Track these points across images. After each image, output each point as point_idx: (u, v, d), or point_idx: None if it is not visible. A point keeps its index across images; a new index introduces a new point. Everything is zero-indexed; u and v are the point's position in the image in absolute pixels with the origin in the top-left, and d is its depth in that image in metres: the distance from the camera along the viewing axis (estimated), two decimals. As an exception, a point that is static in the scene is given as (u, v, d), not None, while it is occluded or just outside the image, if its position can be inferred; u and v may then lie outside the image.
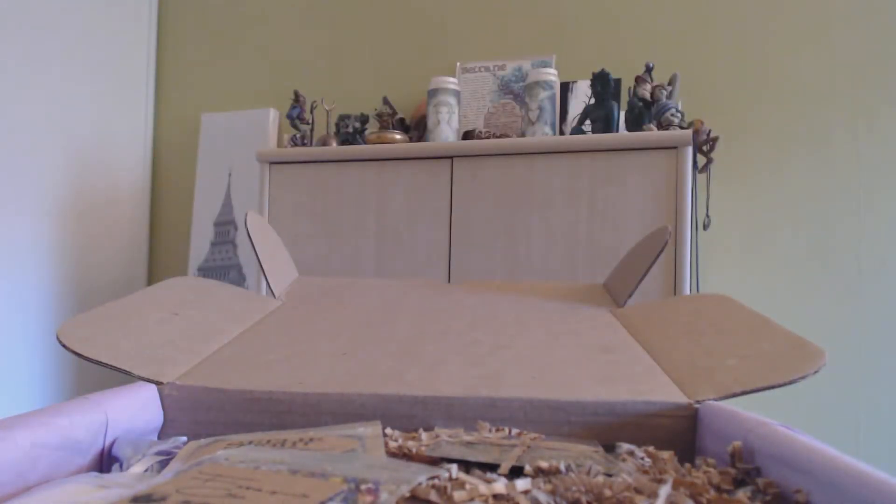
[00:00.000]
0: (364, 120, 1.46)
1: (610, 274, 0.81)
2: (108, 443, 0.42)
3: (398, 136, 1.40)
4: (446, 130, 1.36)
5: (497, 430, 0.44)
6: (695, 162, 1.24)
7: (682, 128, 1.21)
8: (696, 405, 0.44)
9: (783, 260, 1.49)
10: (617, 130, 1.31)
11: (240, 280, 1.77)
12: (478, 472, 0.35)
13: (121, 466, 0.41)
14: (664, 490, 0.30)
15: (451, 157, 1.31)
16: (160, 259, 1.97)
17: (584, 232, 1.22)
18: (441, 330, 0.62)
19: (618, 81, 1.46)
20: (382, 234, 1.34)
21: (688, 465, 0.37)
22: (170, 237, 1.96)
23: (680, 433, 0.44)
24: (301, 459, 0.32)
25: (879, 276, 1.43)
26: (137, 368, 0.49)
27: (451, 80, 1.38)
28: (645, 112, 1.27)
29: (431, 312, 0.68)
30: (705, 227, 1.39)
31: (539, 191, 1.25)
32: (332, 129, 1.70)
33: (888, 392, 1.42)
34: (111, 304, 0.57)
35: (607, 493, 0.30)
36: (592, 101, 1.31)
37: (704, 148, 1.30)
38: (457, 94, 1.38)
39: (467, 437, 0.41)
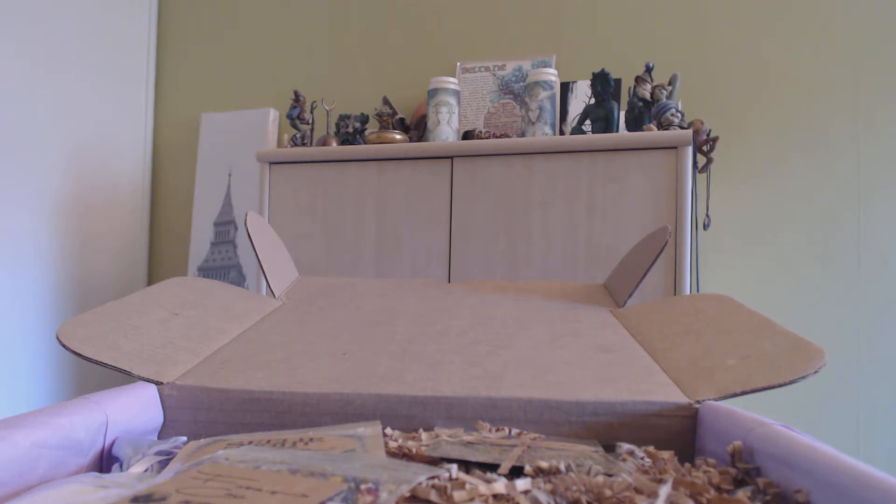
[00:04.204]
0: (364, 120, 1.46)
1: (610, 274, 0.81)
2: (108, 443, 0.42)
3: (398, 136, 1.40)
4: (446, 130, 1.36)
5: (497, 430, 0.44)
6: (695, 162, 1.24)
7: (682, 128, 1.21)
8: (696, 405, 0.44)
9: (783, 260, 1.49)
10: (617, 130, 1.30)
11: (240, 280, 1.77)
12: (478, 472, 0.35)
13: (121, 466, 0.41)
14: (664, 490, 0.30)
15: (451, 157, 1.31)
16: (160, 259, 1.97)
17: (584, 232, 1.22)
18: (441, 330, 0.62)
19: (618, 81, 1.46)
20: (382, 234, 1.34)
21: (688, 465, 0.37)
22: (170, 237, 1.96)
23: (680, 433, 0.44)
24: (301, 459, 0.32)
25: (879, 276, 1.43)
26: (137, 368, 0.49)
27: (451, 80, 1.38)
28: (645, 112, 1.27)
29: (431, 312, 0.68)
30: (705, 227, 1.39)
31: (539, 191, 1.25)
32: (332, 129, 1.70)
33: (888, 392, 1.42)
34: (111, 304, 0.57)
35: (607, 493, 0.30)
36: (592, 101, 1.31)
37: (704, 148, 1.30)
38: (457, 94, 1.38)
39: (467, 437, 0.41)
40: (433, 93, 1.38)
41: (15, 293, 1.54)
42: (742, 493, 0.31)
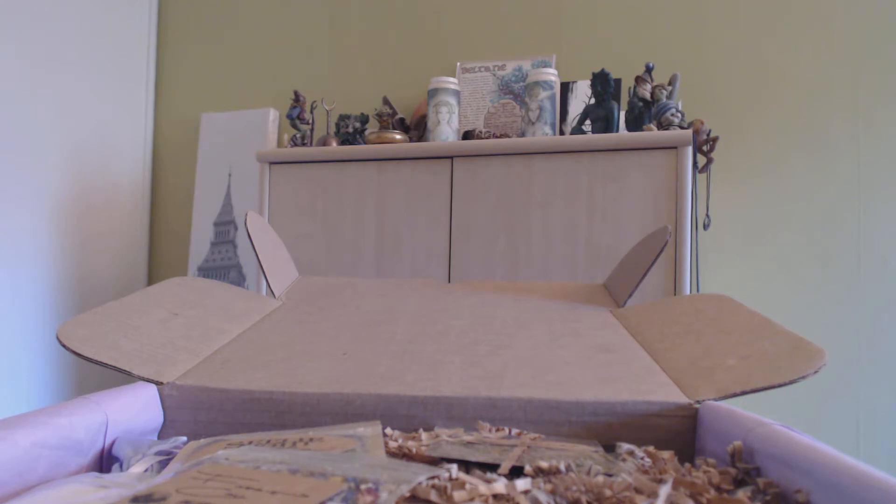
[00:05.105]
0: (364, 120, 1.46)
1: (610, 274, 0.81)
2: (108, 443, 0.42)
3: (398, 136, 1.40)
4: (446, 130, 1.36)
5: (497, 430, 0.44)
6: (695, 162, 1.24)
7: (682, 128, 1.21)
8: (696, 405, 0.44)
9: (783, 260, 1.49)
10: (617, 130, 1.30)
11: (240, 280, 1.77)
12: (478, 472, 0.35)
13: (121, 466, 0.41)
14: (664, 490, 0.30)
15: (451, 157, 1.31)
16: (160, 259, 1.97)
17: (584, 232, 1.22)
18: (441, 330, 0.62)
19: (618, 81, 1.46)
20: (382, 234, 1.34)
21: (688, 465, 0.37)
22: (170, 237, 1.96)
23: (680, 433, 0.44)
24: (301, 459, 0.32)
25: (879, 276, 1.43)
26: (137, 368, 0.49)
27: (451, 80, 1.38)
28: (645, 112, 1.27)
29: (431, 312, 0.68)
30: (705, 227, 1.39)
31: (539, 191, 1.25)
32: (332, 129, 1.70)
33: (888, 392, 1.42)
34: (111, 304, 0.57)
35: (607, 493, 0.30)
36: (592, 101, 1.31)
37: (704, 148, 1.30)
38: (457, 94, 1.38)
39: (467, 437, 0.41)
40: (433, 93, 1.38)
41: (15, 293, 1.54)
42: (742, 493, 0.31)
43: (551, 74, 1.32)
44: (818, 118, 1.49)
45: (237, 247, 1.79)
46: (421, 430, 0.44)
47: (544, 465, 0.34)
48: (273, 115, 1.81)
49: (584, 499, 0.30)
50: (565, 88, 1.52)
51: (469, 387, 0.48)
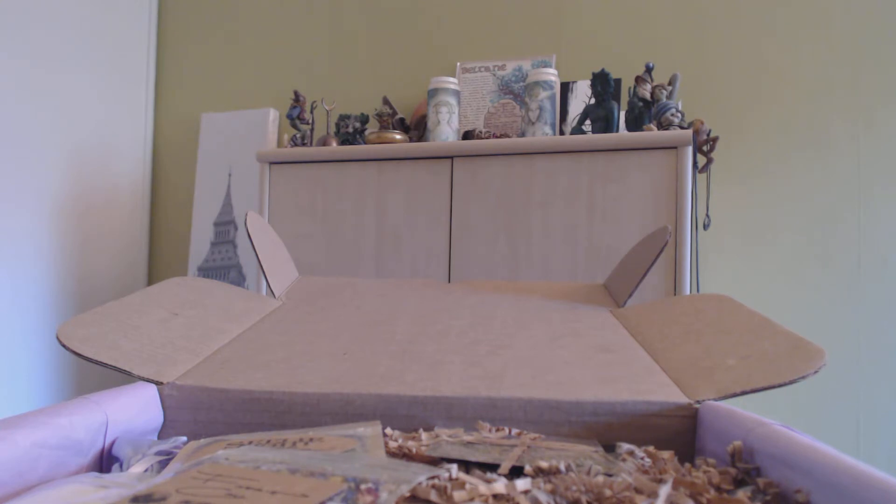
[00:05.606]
0: (364, 120, 1.46)
1: (610, 274, 0.81)
2: (108, 443, 0.42)
3: (398, 136, 1.40)
4: (446, 130, 1.36)
5: (497, 430, 0.44)
6: (695, 162, 1.24)
7: (682, 128, 1.21)
8: (696, 405, 0.44)
9: (783, 260, 1.49)
10: (617, 130, 1.30)
11: (240, 280, 1.77)
12: (478, 472, 0.35)
13: (121, 466, 0.41)
14: (664, 490, 0.30)
15: (451, 157, 1.31)
16: (160, 259, 1.97)
17: (584, 232, 1.22)
18: (441, 330, 0.62)
19: (618, 81, 1.46)
20: (382, 234, 1.34)
21: (688, 465, 0.37)
22: (170, 237, 1.96)
23: (680, 433, 0.44)
24: (301, 459, 0.32)
25: (879, 276, 1.43)
26: (137, 368, 0.49)
27: (451, 80, 1.38)
28: (645, 112, 1.27)
29: (431, 312, 0.68)
30: (705, 227, 1.39)
31: (539, 191, 1.25)
32: (332, 129, 1.70)
33: (888, 392, 1.42)
34: (111, 304, 0.57)
35: (607, 493, 0.30)
36: (592, 101, 1.31)
37: (704, 148, 1.30)
38: (457, 94, 1.38)
39: (467, 437, 0.41)
40: (433, 93, 1.38)
41: (15, 293, 1.54)
42: (742, 493, 0.31)
43: (551, 74, 1.32)
44: (818, 118, 1.49)
45: (237, 247, 1.79)
46: (421, 430, 0.44)
47: (544, 465, 0.34)
48: (273, 115, 1.81)
49: (584, 499, 0.30)
50: (565, 88, 1.52)
51: (469, 387, 0.48)
